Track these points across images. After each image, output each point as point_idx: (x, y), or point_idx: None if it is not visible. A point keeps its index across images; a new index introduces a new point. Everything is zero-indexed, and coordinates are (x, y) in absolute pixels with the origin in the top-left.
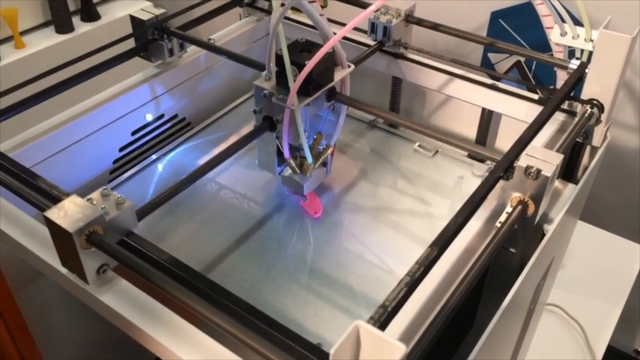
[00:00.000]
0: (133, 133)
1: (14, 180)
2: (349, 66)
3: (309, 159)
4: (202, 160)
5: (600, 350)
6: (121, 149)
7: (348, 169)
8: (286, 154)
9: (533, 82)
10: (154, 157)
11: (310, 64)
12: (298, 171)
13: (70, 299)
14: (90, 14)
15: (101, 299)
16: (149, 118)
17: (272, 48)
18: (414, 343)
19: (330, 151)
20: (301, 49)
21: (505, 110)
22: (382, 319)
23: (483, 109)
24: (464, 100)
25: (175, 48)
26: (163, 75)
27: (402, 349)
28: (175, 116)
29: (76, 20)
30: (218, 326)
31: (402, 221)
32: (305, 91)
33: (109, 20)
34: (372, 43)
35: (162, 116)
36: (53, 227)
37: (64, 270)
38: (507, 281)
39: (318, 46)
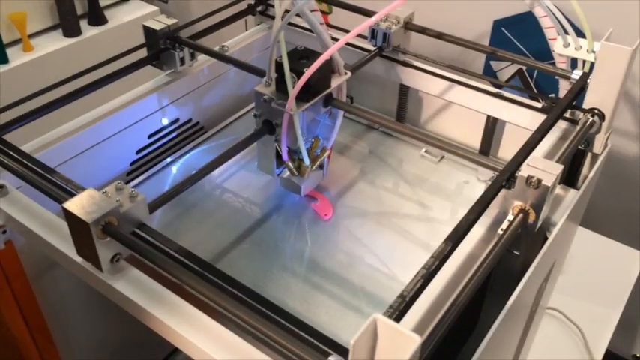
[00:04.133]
0: (150, 137)
1: (34, 176)
2: (346, 73)
3: (307, 161)
4: None
5: (599, 354)
6: (138, 152)
7: (355, 174)
8: (284, 156)
9: (535, 89)
10: (169, 159)
11: (308, 72)
12: (296, 173)
13: (87, 299)
14: (97, 18)
15: (115, 286)
16: (165, 122)
17: (272, 55)
18: (427, 334)
19: (326, 154)
20: (300, 57)
21: (509, 118)
22: (401, 307)
23: (488, 116)
24: (468, 108)
25: (186, 57)
26: (177, 82)
27: (417, 339)
28: (189, 120)
29: (83, 24)
30: (227, 311)
31: (407, 225)
32: (303, 96)
33: (116, 24)
34: (372, 48)
35: (176, 120)
36: (71, 218)
37: (79, 259)
38: (510, 283)
39: (317, 54)
